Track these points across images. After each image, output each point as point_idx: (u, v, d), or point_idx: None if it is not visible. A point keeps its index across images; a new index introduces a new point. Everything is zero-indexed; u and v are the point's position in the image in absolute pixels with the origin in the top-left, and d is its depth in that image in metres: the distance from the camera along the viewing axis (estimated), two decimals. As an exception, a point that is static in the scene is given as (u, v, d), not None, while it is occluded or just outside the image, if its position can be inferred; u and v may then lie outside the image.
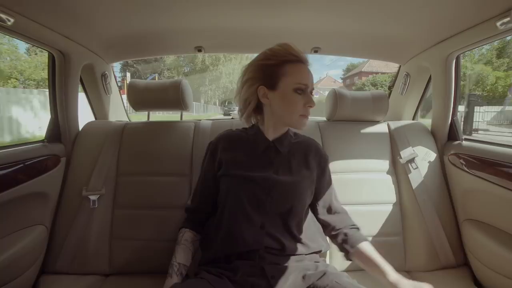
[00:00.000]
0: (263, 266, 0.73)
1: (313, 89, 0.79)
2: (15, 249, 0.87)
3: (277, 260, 0.75)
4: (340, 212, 0.86)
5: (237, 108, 0.88)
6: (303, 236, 0.79)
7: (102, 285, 0.99)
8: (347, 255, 0.80)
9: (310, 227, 0.83)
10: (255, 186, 0.77)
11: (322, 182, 0.86)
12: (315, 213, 0.86)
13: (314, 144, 0.88)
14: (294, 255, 0.77)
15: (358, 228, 0.84)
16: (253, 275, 0.72)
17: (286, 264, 0.75)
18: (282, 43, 0.77)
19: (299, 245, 0.78)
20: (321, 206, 0.85)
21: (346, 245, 0.79)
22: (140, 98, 1.21)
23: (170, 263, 0.80)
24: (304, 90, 0.76)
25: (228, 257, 0.77)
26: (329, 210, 0.85)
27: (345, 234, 0.81)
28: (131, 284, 1.00)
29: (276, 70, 0.76)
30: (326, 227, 0.85)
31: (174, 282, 0.75)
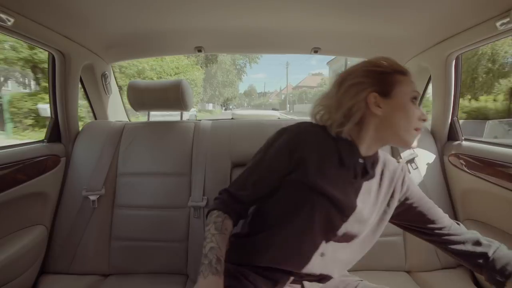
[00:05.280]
0: (303, 283, 0.69)
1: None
2: (15, 249, 0.87)
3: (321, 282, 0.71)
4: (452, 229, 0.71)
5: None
6: (352, 263, 0.74)
7: (102, 285, 1.00)
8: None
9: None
10: (334, 209, 0.66)
11: (414, 209, 0.73)
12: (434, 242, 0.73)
13: (399, 166, 0.76)
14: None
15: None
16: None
17: (328, 285, 0.72)
18: (380, 57, 0.69)
19: (344, 270, 0.75)
20: (439, 240, 0.72)
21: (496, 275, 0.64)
22: (140, 98, 1.21)
23: (213, 253, 0.61)
24: (417, 100, 0.68)
25: (270, 269, 0.68)
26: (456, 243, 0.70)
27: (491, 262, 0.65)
28: (130, 284, 1.00)
29: (388, 77, 0.66)
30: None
31: (221, 281, 0.59)
